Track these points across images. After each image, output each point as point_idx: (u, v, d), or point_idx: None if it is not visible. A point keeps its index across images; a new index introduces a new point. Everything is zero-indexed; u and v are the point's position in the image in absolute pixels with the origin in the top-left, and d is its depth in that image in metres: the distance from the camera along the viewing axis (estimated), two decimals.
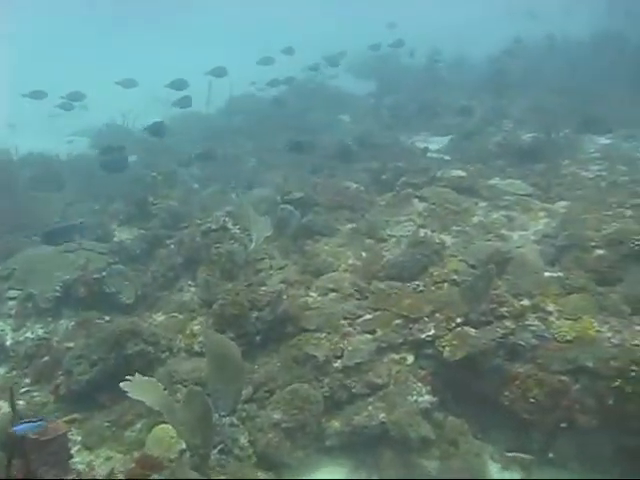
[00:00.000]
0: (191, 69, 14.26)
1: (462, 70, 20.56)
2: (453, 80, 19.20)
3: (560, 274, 6.96)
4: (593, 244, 7.30)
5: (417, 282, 7.21)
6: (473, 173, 10.32)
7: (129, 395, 5.03)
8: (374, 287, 7.36)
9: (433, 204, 9.14)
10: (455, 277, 7.13)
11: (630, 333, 5.99)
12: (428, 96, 17.01)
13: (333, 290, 7.37)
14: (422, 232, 7.98)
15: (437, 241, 7.78)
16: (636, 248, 7.00)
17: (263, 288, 7.26)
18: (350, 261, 8.07)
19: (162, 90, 13.51)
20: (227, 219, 8.69)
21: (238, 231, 8.54)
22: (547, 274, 6.99)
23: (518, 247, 7.94)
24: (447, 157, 12.13)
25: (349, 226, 9.09)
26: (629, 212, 7.99)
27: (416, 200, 9.39)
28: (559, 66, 17.59)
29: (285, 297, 7.01)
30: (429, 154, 11.94)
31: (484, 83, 16.75)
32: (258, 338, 6.76)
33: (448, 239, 8.26)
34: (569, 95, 14.61)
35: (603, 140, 12.41)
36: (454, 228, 8.56)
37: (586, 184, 9.86)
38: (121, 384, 5.04)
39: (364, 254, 8.24)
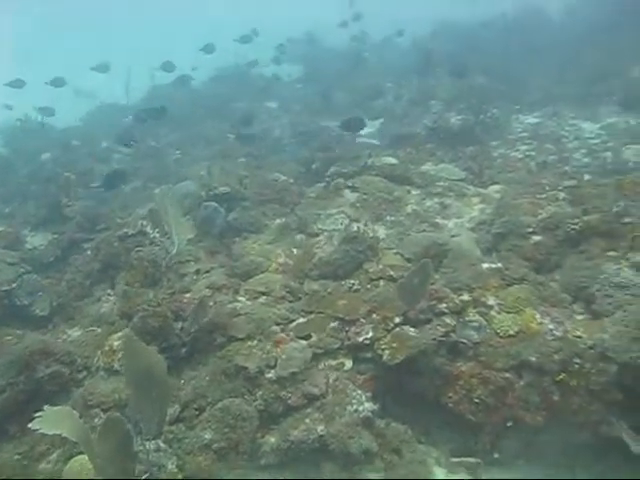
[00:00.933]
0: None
1: (390, 51, 20.37)
2: (379, 62, 18.98)
3: (499, 264, 6.72)
4: (529, 230, 7.10)
5: (352, 280, 6.85)
6: (404, 159, 10.01)
7: (42, 432, 4.44)
8: (307, 287, 6.97)
9: (365, 194, 8.76)
10: (391, 273, 6.79)
11: (572, 323, 5.83)
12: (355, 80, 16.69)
13: (263, 293, 6.93)
14: (355, 226, 7.60)
15: (371, 235, 7.42)
16: (572, 232, 6.85)
17: (187, 295, 6.76)
18: (280, 260, 7.64)
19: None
20: (145, 222, 8.09)
21: (158, 235, 7.95)
22: (485, 265, 6.72)
23: (454, 236, 7.67)
24: (376, 142, 11.80)
25: (278, 221, 8.66)
26: (562, 194, 7.83)
27: (347, 190, 9.00)
28: (487, 45, 17.56)
29: (211, 304, 6.50)
30: (359, 140, 11.55)
31: (411, 64, 16.49)
32: (184, 350, 6.23)
33: (382, 230, 7.93)
34: (495, 75, 14.54)
35: (530, 119, 12.37)
36: (388, 218, 8.23)
37: (517, 166, 9.77)
38: (30, 424, 4.43)
39: (295, 251, 7.83)
